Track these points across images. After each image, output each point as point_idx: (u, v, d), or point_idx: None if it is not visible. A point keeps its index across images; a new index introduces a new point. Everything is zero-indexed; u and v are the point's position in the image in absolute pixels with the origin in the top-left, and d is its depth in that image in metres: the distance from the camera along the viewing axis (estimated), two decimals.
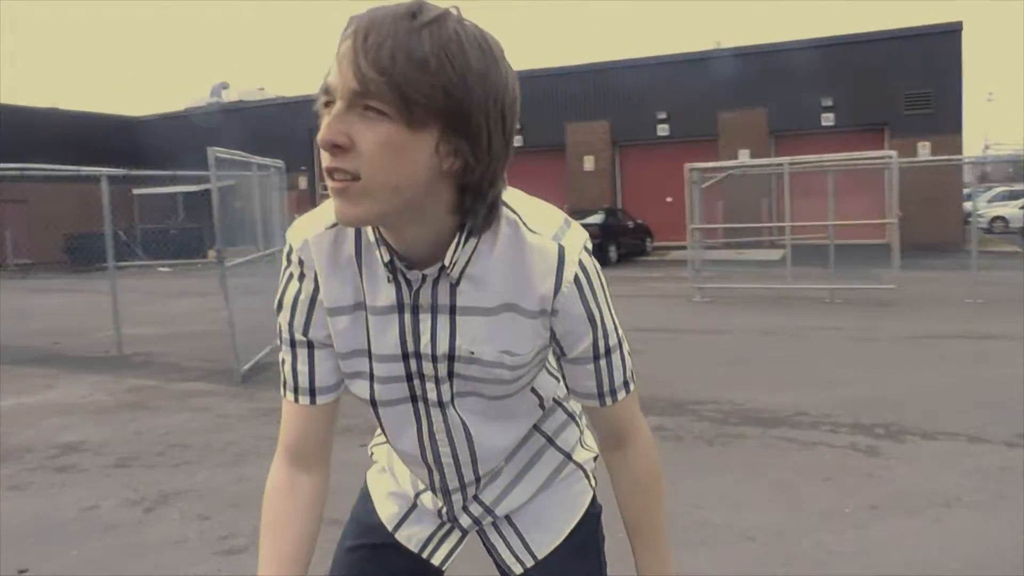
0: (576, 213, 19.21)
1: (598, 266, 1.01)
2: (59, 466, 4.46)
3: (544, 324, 0.99)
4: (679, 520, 3.35)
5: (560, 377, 1.15)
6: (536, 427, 1.19)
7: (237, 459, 4.48)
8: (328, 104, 0.84)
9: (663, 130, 21.96)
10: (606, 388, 1.05)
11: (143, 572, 3.08)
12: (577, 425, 1.24)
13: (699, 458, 4.27)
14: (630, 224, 19.57)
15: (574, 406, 1.23)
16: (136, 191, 24.01)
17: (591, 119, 22.46)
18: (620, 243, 18.36)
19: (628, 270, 16.44)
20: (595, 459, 1.24)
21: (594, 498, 1.24)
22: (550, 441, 1.20)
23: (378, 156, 0.82)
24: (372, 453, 1.31)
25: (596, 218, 18.25)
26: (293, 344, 1.06)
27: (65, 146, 20.14)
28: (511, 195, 0.97)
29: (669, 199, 21.04)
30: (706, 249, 11.92)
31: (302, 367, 1.06)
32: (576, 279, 0.96)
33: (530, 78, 22.15)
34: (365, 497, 1.30)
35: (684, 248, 12.41)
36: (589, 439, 1.26)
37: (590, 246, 0.99)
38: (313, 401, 1.07)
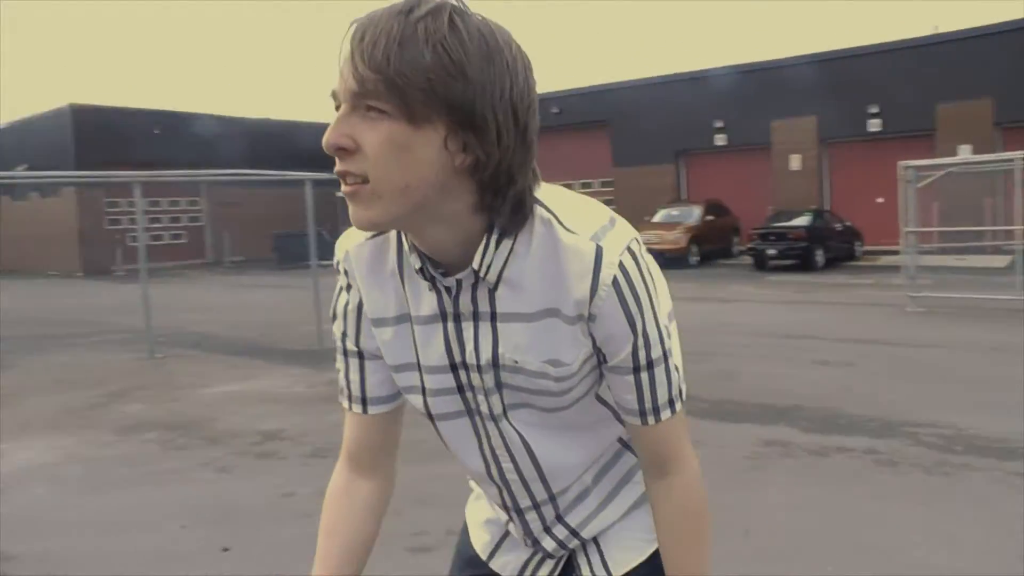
0: (782, 215, 18.38)
1: (649, 269, 0.93)
2: (260, 452, 4.77)
3: (583, 330, 0.92)
4: (892, 558, 3.03)
5: None
6: (627, 446, 1.11)
7: (430, 456, 4.53)
8: (336, 100, 0.83)
9: (874, 125, 20.47)
10: (648, 405, 0.97)
11: None
12: None
13: (916, 488, 3.87)
14: (838, 226, 18.42)
15: None
16: (339, 193, 25.58)
17: (797, 115, 21.34)
18: (827, 247, 17.33)
19: (836, 276, 15.46)
20: None
21: None
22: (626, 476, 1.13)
23: (383, 156, 0.81)
24: (470, 480, 1.24)
25: (802, 220, 17.43)
26: (346, 353, 1.06)
27: (275, 152, 21.83)
28: (549, 192, 0.93)
29: (880, 200, 19.60)
30: (921, 254, 10.94)
31: (354, 376, 1.06)
32: (615, 281, 0.89)
33: (737, 74, 21.51)
34: (464, 529, 1.28)
35: (896, 253, 11.51)
36: None
37: (637, 247, 0.92)
38: (365, 410, 1.07)
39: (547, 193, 0.92)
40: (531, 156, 0.87)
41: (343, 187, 0.85)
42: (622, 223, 0.93)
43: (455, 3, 0.81)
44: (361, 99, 0.80)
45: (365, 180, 0.83)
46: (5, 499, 4.03)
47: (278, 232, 22.92)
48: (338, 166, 0.84)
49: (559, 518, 1.11)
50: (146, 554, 3.34)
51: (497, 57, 0.81)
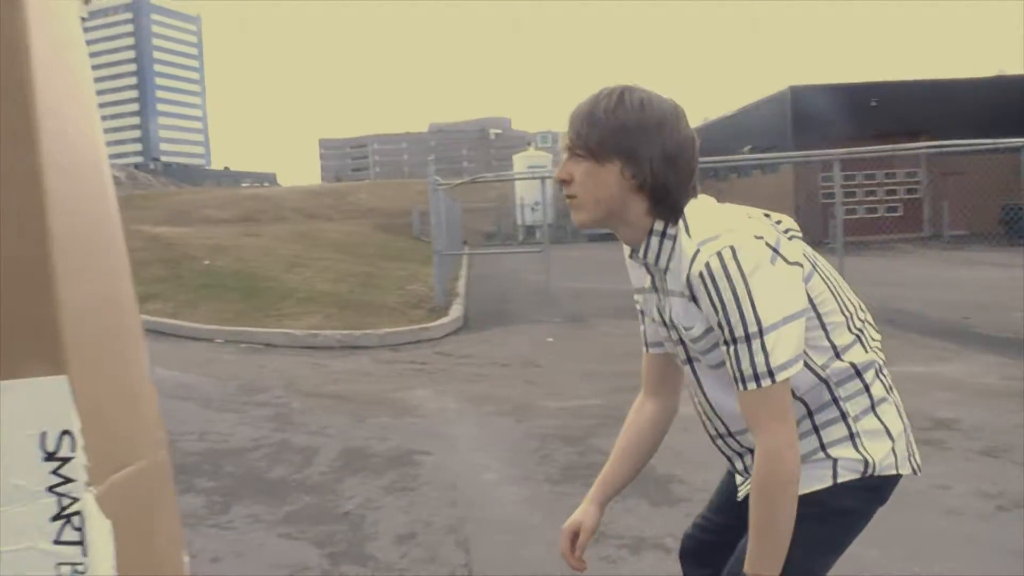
0: None
1: (738, 272, 1.28)
2: (925, 439, 4.57)
3: (695, 307, 1.36)
4: None
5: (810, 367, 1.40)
6: (810, 415, 1.44)
7: None
8: (563, 154, 1.42)
9: None
10: (736, 373, 1.32)
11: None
12: (847, 425, 1.44)
13: None
14: None
15: (849, 408, 1.44)
16: None
17: None
18: None
19: None
20: (864, 465, 1.43)
21: (826, 489, 1.42)
22: (815, 429, 1.44)
23: (583, 182, 1.39)
24: None
25: None
26: (640, 312, 1.61)
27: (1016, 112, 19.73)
28: (698, 205, 1.39)
29: None
30: None
31: (640, 327, 1.65)
32: (700, 275, 1.31)
33: None
34: None
35: None
36: (866, 445, 1.44)
37: (729, 255, 1.28)
38: (647, 350, 1.65)
39: (695, 206, 1.39)
40: (684, 178, 1.37)
41: (567, 199, 1.42)
42: (729, 236, 1.31)
43: (627, 85, 1.37)
44: (572, 150, 1.39)
45: (575, 196, 1.40)
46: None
47: (1007, 203, 20.72)
48: (566, 190, 1.41)
49: (740, 454, 1.53)
50: None
51: (650, 117, 1.34)
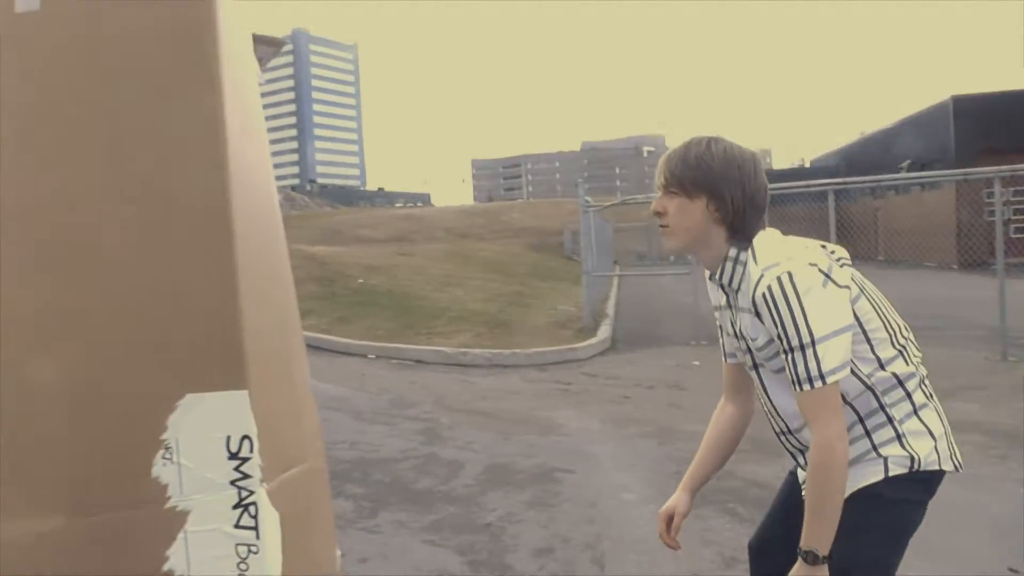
0: None
1: (794, 293, 1.56)
2: None
3: (760, 322, 1.65)
4: None
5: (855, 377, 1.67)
6: (861, 421, 1.70)
7: None
8: (658, 191, 1.75)
9: None
10: (793, 376, 1.60)
11: None
12: (893, 428, 1.69)
13: None
14: None
15: (895, 413, 1.70)
16: None
17: None
18: None
19: None
20: (911, 460, 1.68)
21: (881, 483, 1.67)
22: (867, 433, 1.70)
23: (675, 214, 1.71)
24: None
25: None
26: (719, 327, 1.91)
27: None
28: (765, 236, 1.70)
29: None
30: None
31: (720, 340, 1.95)
32: (763, 296, 1.60)
33: None
34: None
35: None
36: (912, 443, 1.69)
37: (787, 279, 1.57)
38: (725, 360, 1.96)
39: (762, 237, 1.70)
40: (757, 213, 1.69)
41: (660, 228, 1.75)
42: (787, 263, 1.60)
43: (714, 136, 1.70)
44: (666, 187, 1.71)
45: (668, 226, 1.72)
46: None
47: None
48: (663, 221, 1.72)
49: (800, 450, 1.80)
50: None
51: (732, 163, 1.67)
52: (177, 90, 1.35)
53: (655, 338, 9.95)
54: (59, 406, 1.32)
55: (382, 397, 6.85)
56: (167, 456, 1.31)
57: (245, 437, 1.33)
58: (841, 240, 8.68)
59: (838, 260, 1.68)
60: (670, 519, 1.94)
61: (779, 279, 1.57)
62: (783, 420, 1.76)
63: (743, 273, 1.68)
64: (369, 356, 8.86)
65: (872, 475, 1.68)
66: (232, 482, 1.32)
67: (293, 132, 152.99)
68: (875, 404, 1.68)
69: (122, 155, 1.33)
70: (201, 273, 1.34)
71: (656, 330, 10.57)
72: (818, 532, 1.57)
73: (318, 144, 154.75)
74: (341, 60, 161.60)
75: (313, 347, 9.41)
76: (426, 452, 5.12)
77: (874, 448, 1.69)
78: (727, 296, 1.76)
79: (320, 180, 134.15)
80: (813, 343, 1.54)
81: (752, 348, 1.72)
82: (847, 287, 1.63)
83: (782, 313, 1.56)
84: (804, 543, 1.59)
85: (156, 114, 1.34)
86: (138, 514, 1.30)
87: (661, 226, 1.73)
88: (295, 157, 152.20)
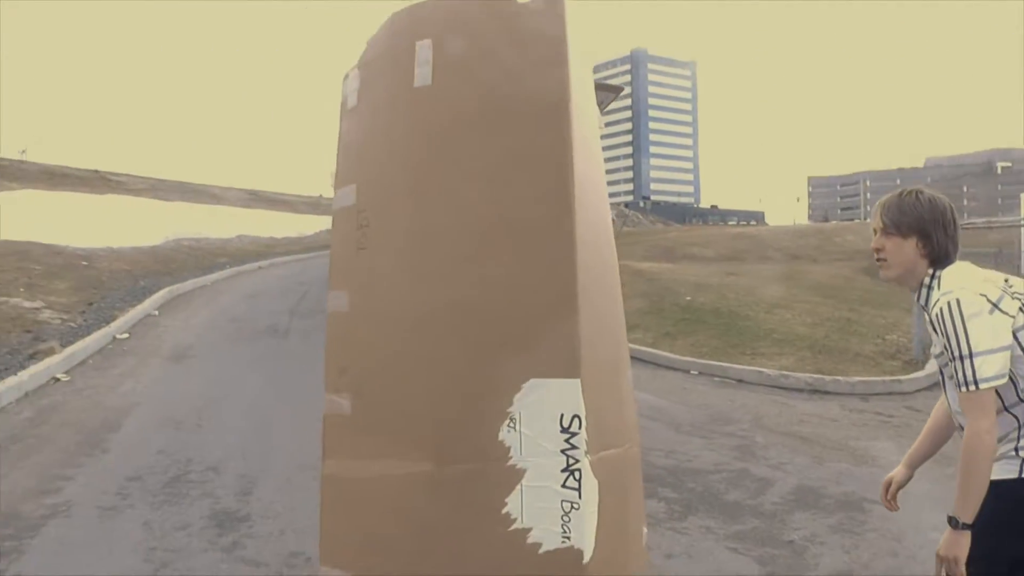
0: None
1: (959, 315, 1.98)
2: None
3: (936, 335, 2.07)
4: None
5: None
6: (1019, 427, 2.04)
7: None
8: (875, 231, 2.20)
9: None
10: (957, 379, 1.99)
11: None
12: (1017, 423, 2.04)
13: None
14: None
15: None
16: None
17: None
18: None
19: None
20: None
21: (1013, 480, 2.01)
22: (1017, 437, 2.05)
23: (892, 251, 2.15)
24: None
25: None
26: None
27: None
28: (954, 268, 2.13)
29: None
30: None
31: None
32: (937, 315, 2.03)
33: None
34: None
35: None
36: None
37: (955, 304, 1.99)
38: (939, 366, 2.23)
39: (952, 269, 2.12)
40: (954, 249, 2.12)
41: (878, 262, 2.21)
42: (958, 292, 2.01)
43: (919, 189, 2.18)
44: (884, 230, 2.16)
45: (886, 260, 2.17)
46: None
47: None
48: (876, 256, 2.20)
49: (961, 432, 2.09)
50: None
51: (936, 211, 2.12)
52: (539, 146, 1.75)
53: None
54: (433, 381, 1.76)
55: (701, 412, 7.05)
56: (511, 425, 1.70)
57: (575, 416, 1.69)
58: None
59: (1013, 293, 2.06)
60: (889, 487, 2.43)
61: (948, 303, 2.00)
62: (953, 409, 2.18)
63: (928, 296, 2.12)
64: (691, 372, 9.07)
65: (1007, 472, 2.02)
66: (562, 451, 1.68)
67: (628, 150, 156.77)
68: None
69: (492, 196, 1.76)
70: (549, 285, 1.72)
71: None
72: (963, 504, 1.95)
73: (653, 162, 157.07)
74: (679, 78, 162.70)
75: (638, 359, 9.84)
76: (738, 467, 5.26)
77: (1016, 450, 2.03)
78: (926, 315, 2.16)
79: (654, 197, 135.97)
80: (971, 355, 1.95)
81: (933, 354, 2.23)
82: (1012, 316, 2.01)
83: (947, 330, 1.99)
84: (954, 512, 1.97)
85: (521, 162, 1.75)
86: (488, 467, 1.71)
87: (879, 259, 2.21)
88: (630, 175, 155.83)
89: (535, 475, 1.70)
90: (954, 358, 1.98)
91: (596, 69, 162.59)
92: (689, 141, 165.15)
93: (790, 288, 15.21)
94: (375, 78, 1.99)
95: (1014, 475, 2.01)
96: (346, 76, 2.10)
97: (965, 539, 1.95)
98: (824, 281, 19.25)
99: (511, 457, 1.71)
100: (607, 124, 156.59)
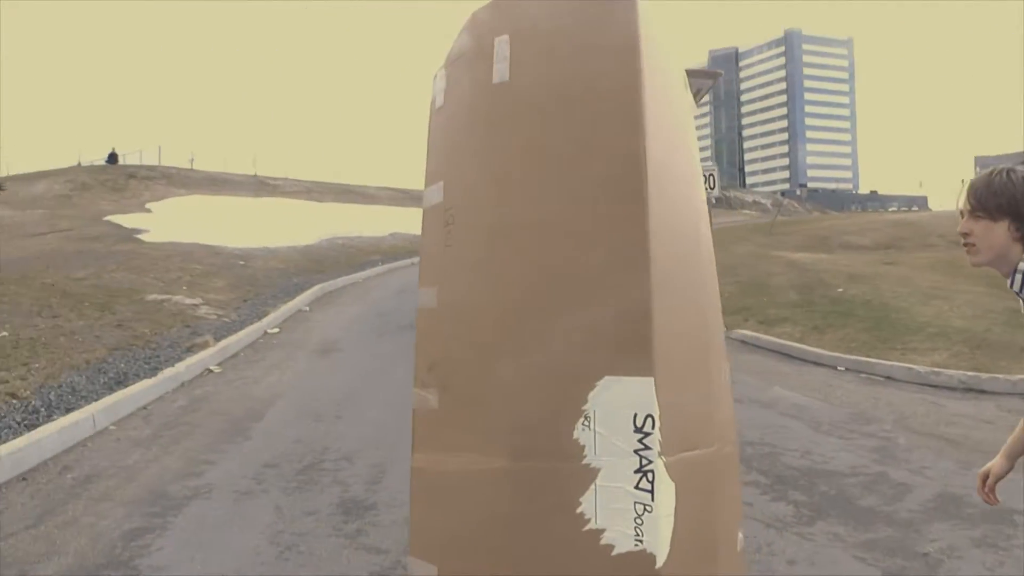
0: None
1: None
2: None
3: None
4: None
5: None
6: None
7: None
8: (961, 214, 2.04)
9: None
10: None
11: None
12: None
13: None
14: None
15: None
16: None
17: None
18: None
19: None
20: None
21: None
22: None
23: (981, 234, 1.99)
24: None
25: None
26: None
27: None
28: None
29: None
30: None
31: None
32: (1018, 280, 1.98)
33: None
34: None
35: None
36: None
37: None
38: None
39: None
40: None
41: (965, 247, 2.04)
42: None
43: (1012, 167, 1.98)
44: (971, 211, 1.99)
45: (974, 244, 2.01)
46: None
47: None
48: (963, 240, 2.03)
49: None
50: None
51: None
52: (609, 136, 1.72)
53: None
54: (511, 376, 1.76)
55: (843, 411, 6.73)
56: (585, 424, 1.68)
57: (648, 416, 1.65)
58: None
59: None
60: (986, 478, 2.33)
61: (1020, 272, 1.96)
62: None
63: (1023, 282, 2.01)
64: (838, 368, 8.68)
65: None
66: (635, 451, 1.65)
67: (784, 136, 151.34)
68: None
69: (564, 189, 1.75)
70: (623, 283, 1.69)
71: None
72: None
73: (809, 147, 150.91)
74: (835, 57, 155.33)
75: (784, 354, 9.52)
76: (876, 471, 4.98)
77: None
78: (1020, 302, 2.08)
79: (811, 184, 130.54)
80: None
81: None
82: None
83: None
84: None
85: (592, 153, 1.73)
86: (563, 465, 1.70)
87: (966, 244, 2.05)
88: (785, 162, 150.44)
89: (608, 475, 1.67)
90: None
91: (746, 55, 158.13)
92: (847, 124, 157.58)
93: (950, 277, 14.26)
94: (459, 76, 2.01)
95: None
96: (435, 76, 2.14)
97: None
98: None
99: (585, 456, 1.69)
100: (761, 111, 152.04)
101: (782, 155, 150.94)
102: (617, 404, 1.67)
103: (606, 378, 1.68)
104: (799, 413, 6.60)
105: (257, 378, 8.28)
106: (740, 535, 2.09)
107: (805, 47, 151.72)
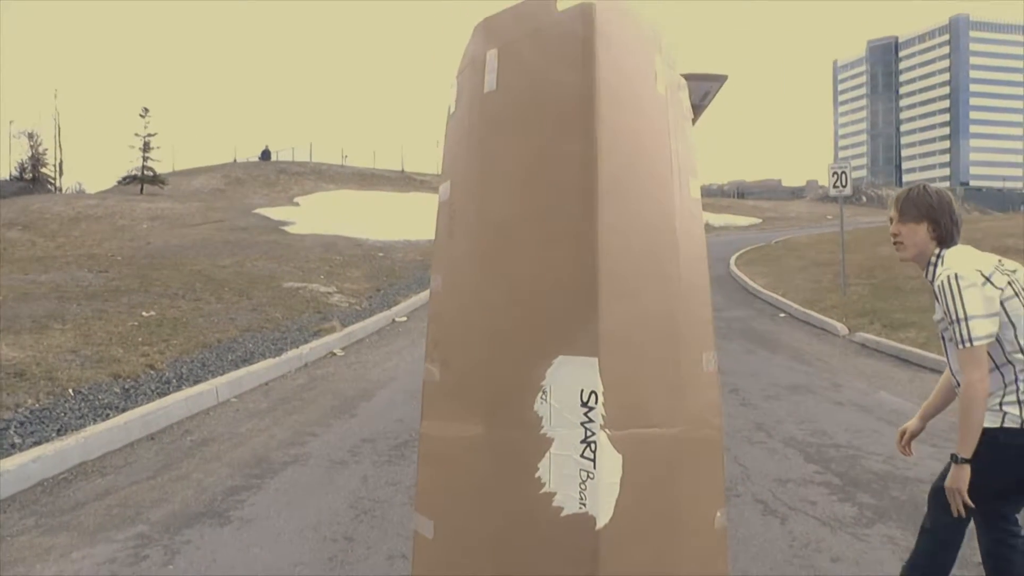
0: None
1: (957, 286, 2.46)
2: None
3: (938, 304, 2.55)
4: None
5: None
6: (1003, 385, 2.51)
7: None
8: (891, 220, 2.69)
9: None
10: (955, 339, 2.47)
11: None
12: (1018, 395, 2.48)
13: None
14: None
15: (1022, 386, 2.50)
16: None
17: None
18: None
19: None
20: (1020, 422, 2.46)
21: (996, 428, 2.48)
22: (1002, 393, 2.50)
23: (907, 235, 2.65)
24: None
25: None
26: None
27: None
28: (956, 249, 2.60)
29: None
30: None
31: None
32: (939, 287, 2.50)
33: None
34: None
35: None
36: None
37: (954, 278, 2.46)
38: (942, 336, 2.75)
39: (954, 250, 2.59)
40: (957, 232, 2.61)
41: (895, 245, 2.70)
42: (956, 268, 2.49)
43: (925, 184, 2.72)
44: (900, 216, 2.66)
45: (902, 243, 2.66)
46: None
47: None
48: (893, 240, 2.68)
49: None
50: None
51: (942, 201, 2.62)
52: (564, 143, 1.90)
53: None
54: (489, 352, 1.97)
55: (945, 419, 6.43)
56: (543, 397, 1.87)
57: (592, 392, 1.82)
58: None
59: (1005, 271, 2.53)
60: (903, 435, 3.00)
61: (948, 277, 2.48)
62: (952, 369, 2.67)
63: (933, 272, 2.58)
64: None
65: (991, 422, 2.47)
66: (581, 423, 1.83)
67: (945, 131, 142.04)
68: (1012, 376, 2.49)
69: (530, 190, 1.94)
70: (574, 270, 1.87)
71: None
72: (963, 442, 2.44)
73: (974, 143, 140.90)
74: (1007, 44, 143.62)
75: (902, 360, 9.20)
76: None
77: (1000, 404, 2.48)
78: (932, 287, 2.57)
79: (975, 182, 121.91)
80: (967, 319, 2.42)
81: (935, 320, 2.66)
82: (1001, 289, 2.48)
83: (947, 298, 2.47)
84: (957, 450, 2.46)
85: (550, 161, 1.92)
86: (525, 434, 1.89)
87: (896, 242, 2.67)
88: (945, 159, 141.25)
89: (560, 444, 1.85)
90: (952, 321, 2.45)
91: (906, 44, 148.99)
92: (1019, 118, 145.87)
93: None
94: (464, 85, 2.23)
95: (996, 424, 2.47)
96: (452, 84, 2.36)
97: (966, 472, 2.46)
98: None
99: (543, 426, 1.87)
100: (921, 104, 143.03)
101: (942, 151, 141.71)
102: (568, 380, 1.84)
103: (560, 357, 1.86)
104: (896, 419, 6.39)
105: (377, 362, 8.76)
106: (719, 514, 2.20)
107: (972, 34, 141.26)
